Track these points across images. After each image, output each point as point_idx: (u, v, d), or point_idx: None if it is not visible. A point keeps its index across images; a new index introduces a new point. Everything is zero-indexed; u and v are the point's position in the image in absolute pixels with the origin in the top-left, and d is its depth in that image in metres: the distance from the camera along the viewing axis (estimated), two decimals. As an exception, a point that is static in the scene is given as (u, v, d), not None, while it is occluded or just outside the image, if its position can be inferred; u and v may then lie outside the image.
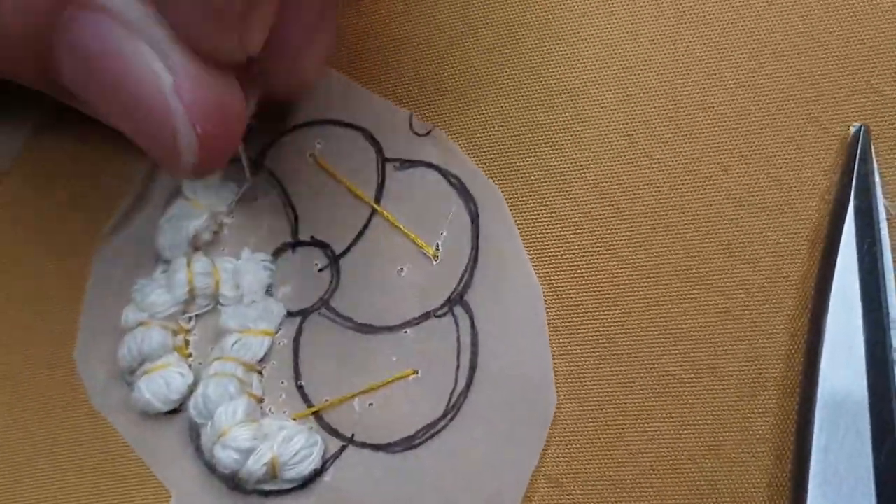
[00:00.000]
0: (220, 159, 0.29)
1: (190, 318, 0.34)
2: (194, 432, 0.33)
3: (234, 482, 0.32)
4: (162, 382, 0.33)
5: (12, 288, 0.36)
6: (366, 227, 0.34)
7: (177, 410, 0.34)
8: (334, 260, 0.34)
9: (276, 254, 0.35)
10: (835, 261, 0.28)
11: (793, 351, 0.29)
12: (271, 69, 0.30)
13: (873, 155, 0.29)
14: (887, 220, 0.29)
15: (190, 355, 0.34)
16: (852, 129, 0.30)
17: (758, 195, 0.31)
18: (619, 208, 0.32)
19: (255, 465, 0.31)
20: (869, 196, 0.28)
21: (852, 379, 0.27)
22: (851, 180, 0.29)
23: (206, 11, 0.26)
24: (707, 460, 0.29)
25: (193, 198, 0.35)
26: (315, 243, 0.34)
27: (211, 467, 0.32)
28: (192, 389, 0.33)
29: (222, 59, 0.27)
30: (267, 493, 0.32)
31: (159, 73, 0.26)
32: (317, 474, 0.32)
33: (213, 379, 0.32)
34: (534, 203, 0.32)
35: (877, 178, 0.29)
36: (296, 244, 0.35)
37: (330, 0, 0.31)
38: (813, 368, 0.27)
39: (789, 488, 0.28)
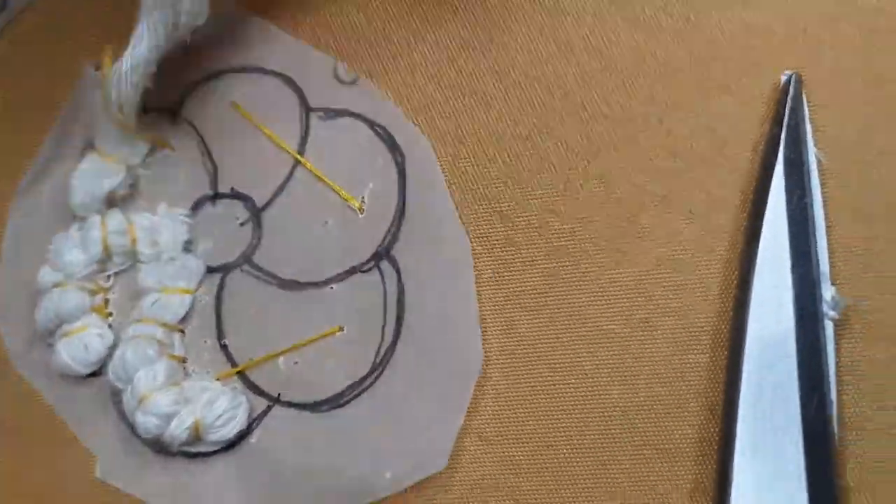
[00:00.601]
0: None
1: (108, 277, 0.34)
2: (116, 396, 0.32)
3: (157, 445, 0.32)
4: (80, 345, 0.32)
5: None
6: (288, 178, 0.33)
7: (98, 373, 0.33)
8: (256, 213, 0.33)
9: (195, 208, 0.34)
10: (763, 213, 0.28)
11: (725, 304, 0.29)
12: None
13: (805, 104, 0.29)
14: (819, 171, 0.28)
15: (110, 314, 0.34)
16: (783, 78, 0.29)
17: (693, 146, 0.30)
18: (549, 161, 0.31)
19: (178, 430, 0.30)
20: (800, 146, 0.28)
21: (781, 332, 0.27)
22: (781, 130, 0.28)
23: None
24: (640, 415, 0.29)
25: (105, 151, 0.33)
26: (236, 195, 0.34)
27: (134, 430, 0.32)
28: (112, 351, 0.32)
29: None
30: (192, 456, 0.32)
31: None
32: (242, 436, 0.31)
33: (132, 342, 0.32)
34: (462, 155, 0.32)
35: (808, 128, 0.29)
36: (215, 196, 0.34)
37: None
38: (741, 322, 0.27)
39: (719, 442, 0.28)
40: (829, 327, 0.27)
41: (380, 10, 0.33)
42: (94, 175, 0.33)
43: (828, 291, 0.27)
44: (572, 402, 0.30)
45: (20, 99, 0.36)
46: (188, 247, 0.33)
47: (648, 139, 0.30)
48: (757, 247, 0.27)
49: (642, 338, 0.30)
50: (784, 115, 0.28)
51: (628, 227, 0.30)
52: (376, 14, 0.33)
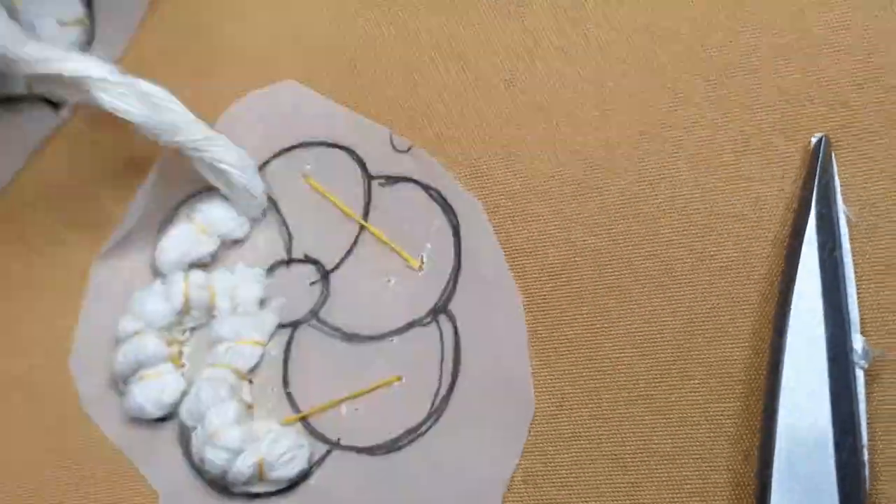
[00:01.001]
0: None
1: (185, 331, 0.36)
2: (184, 437, 0.35)
3: (221, 484, 0.34)
4: (155, 388, 0.35)
5: (12, 297, 0.39)
6: (355, 242, 0.36)
7: (166, 418, 0.35)
8: (325, 275, 0.36)
9: (271, 270, 0.37)
10: (797, 266, 0.30)
11: (759, 354, 0.31)
12: None
13: (834, 164, 0.31)
14: (848, 226, 0.30)
15: (183, 365, 0.36)
16: (813, 140, 0.32)
17: (728, 204, 0.32)
18: (595, 220, 0.34)
19: (244, 465, 0.33)
20: (830, 203, 0.30)
21: (814, 380, 0.28)
22: (813, 189, 0.30)
23: None
24: (678, 460, 0.31)
25: (197, 220, 0.37)
26: (308, 260, 0.36)
27: (199, 470, 0.34)
28: (184, 396, 0.35)
29: None
30: (253, 496, 0.34)
31: None
32: (303, 477, 0.34)
33: (206, 382, 0.34)
34: (513, 214, 0.34)
35: (837, 186, 0.31)
36: (290, 261, 0.37)
37: None
38: (776, 371, 0.29)
39: (755, 486, 0.30)
40: (860, 376, 0.29)
41: (435, 82, 0.37)
42: (184, 241, 0.36)
43: (858, 342, 0.29)
44: (613, 448, 0.32)
45: (100, 173, 0.39)
46: (263, 303, 0.36)
47: (685, 198, 0.33)
48: (791, 298, 0.29)
49: (681, 388, 0.31)
50: (815, 174, 0.31)
51: (667, 281, 0.32)
52: (431, 87, 0.37)
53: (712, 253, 0.32)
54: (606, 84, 0.35)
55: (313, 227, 0.37)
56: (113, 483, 0.36)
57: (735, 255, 0.32)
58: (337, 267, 0.36)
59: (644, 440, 0.31)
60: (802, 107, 0.33)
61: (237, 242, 0.38)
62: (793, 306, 0.29)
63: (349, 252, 0.36)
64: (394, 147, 0.36)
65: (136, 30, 0.41)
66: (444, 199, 0.35)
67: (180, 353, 0.36)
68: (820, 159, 0.31)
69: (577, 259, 0.33)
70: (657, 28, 0.35)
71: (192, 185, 0.37)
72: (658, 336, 0.32)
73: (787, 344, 0.29)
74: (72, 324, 0.37)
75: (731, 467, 0.30)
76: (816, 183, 0.30)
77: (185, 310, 0.36)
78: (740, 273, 0.32)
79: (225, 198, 0.37)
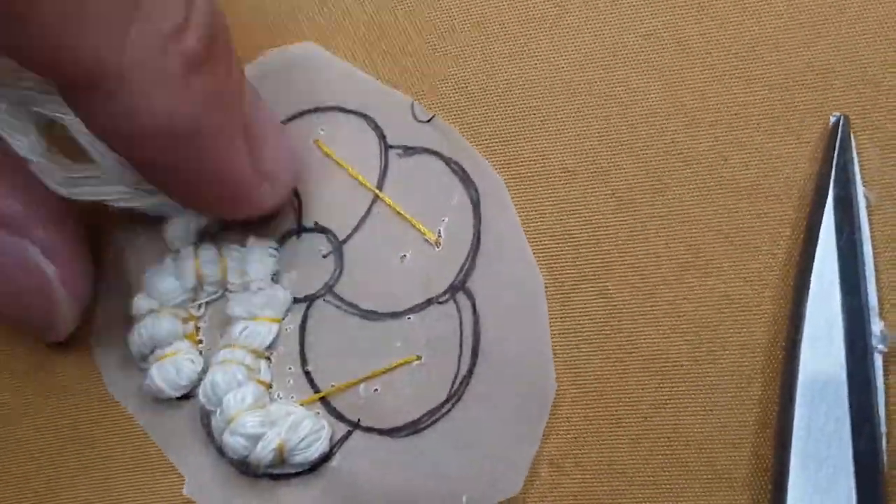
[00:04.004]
0: None
1: (199, 306, 0.39)
2: (205, 418, 0.38)
3: (244, 466, 0.37)
4: (172, 369, 0.38)
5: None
6: (368, 213, 0.38)
7: (188, 396, 0.39)
8: (337, 246, 0.38)
9: (282, 240, 0.39)
10: (814, 249, 0.32)
11: (780, 338, 0.33)
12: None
13: (853, 144, 0.33)
14: (867, 208, 0.32)
15: (200, 341, 0.39)
16: (832, 120, 0.34)
17: (756, 184, 0.35)
18: (619, 197, 0.36)
19: (264, 451, 0.35)
20: (848, 185, 0.32)
21: (832, 366, 0.31)
22: (831, 169, 0.32)
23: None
24: (705, 445, 0.34)
25: None
26: (319, 229, 0.39)
27: (222, 451, 0.37)
28: (202, 375, 0.38)
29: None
30: (276, 477, 0.37)
31: (44, 266, 0.36)
32: (324, 459, 0.37)
33: (222, 366, 0.37)
34: (535, 191, 0.37)
35: (856, 168, 0.33)
36: (300, 230, 0.39)
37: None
38: (794, 355, 0.32)
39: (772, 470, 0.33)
40: (878, 360, 0.31)
41: (459, 52, 0.38)
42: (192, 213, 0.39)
43: (876, 325, 0.31)
44: (638, 431, 0.34)
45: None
46: (275, 278, 0.39)
47: (713, 178, 0.35)
48: (809, 281, 0.32)
49: (706, 370, 0.34)
50: (833, 154, 0.33)
51: (695, 262, 0.35)
52: (456, 57, 0.38)
53: (740, 234, 0.34)
54: (633, 59, 0.36)
55: (324, 196, 0.39)
56: (136, 463, 0.39)
57: (762, 236, 0.34)
58: (349, 238, 0.38)
59: (668, 423, 0.34)
60: (831, 86, 0.34)
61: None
62: (811, 290, 0.32)
63: (362, 221, 0.38)
64: (415, 117, 0.38)
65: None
66: (466, 173, 0.37)
67: (197, 328, 0.39)
68: (839, 140, 0.33)
69: (600, 238, 0.36)
70: (687, 4, 0.36)
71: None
72: (683, 317, 0.34)
73: (805, 329, 0.32)
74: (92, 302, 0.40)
75: (753, 452, 0.33)
76: (834, 164, 0.32)
77: (197, 286, 0.39)
78: (767, 255, 0.34)
79: None
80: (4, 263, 0.36)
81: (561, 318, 0.36)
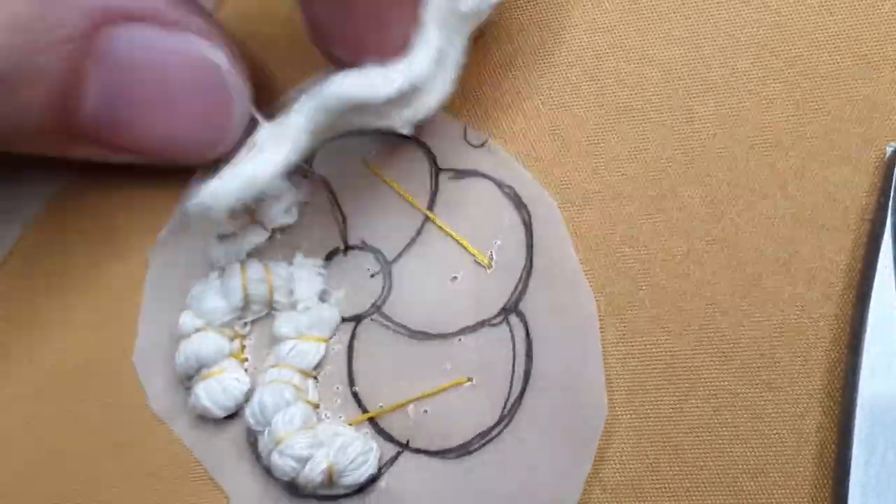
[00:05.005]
0: None
1: (245, 324, 0.40)
2: (252, 437, 0.38)
3: (291, 488, 0.38)
4: (219, 388, 0.38)
5: (72, 293, 0.42)
6: (418, 233, 0.39)
7: (234, 415, 0.39)
8: (387, 265, 0.39)
9: (328, 258, 0.40)
10: (873, 278, 0.33)
11: (839, 367, 0.34)
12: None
13: None
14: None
15: (246, 360, 0.40)
16: (889, 149, 0.35)
17: (814, 214, 0.35)
18: (674, 224, 0.37)
19: (313, 473, 0.36)
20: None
21: (891, 396, 0.32)
22: (888, 199, 0.34)
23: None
24: (762, 475, 0.35)
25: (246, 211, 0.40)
26: (368, 248, 0.39)
27: (269, 472, 0.38)
28: (248, 395, 0.39)
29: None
30: (323, 498, 0.38)
31: (211, 52, 0.34)
32: (372, 480, 0.37)
33: (270, 386, 0.38)
34: (588, 215, 0.37)
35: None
36: (347, 248, 0.40)
37: None
38: (852, 385, 0.32)
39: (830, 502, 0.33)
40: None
41: (513, 77, 0.39)
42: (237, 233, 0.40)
43: (933, 359, 0.32)
44: (694, 460, 0.35)
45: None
46: (323, 296, 0.39)
47: (770, 206, 0.36)
48: (867, 312, 0.33)
49: (764, 399, 0.35)
50: (891, 184, 0.34)
51: (752, 290, 0.35)
52: (509, 81, 0.39)
53: (797, 263, 0.35)
54: (690, 84, 0.37)
55: (371, 215, 0.40)
56: (179, 481, 0.40)
57: (820, 266, 0.35)
58: (399, 257, 0.39)
59: (724, 451, 0.35)
60: (888, 117, 0.35)
61: (287, 228, 0.41)
62: (869, 321, 0.33)
63: (412, 242, 0.39)
64: (467, 141, 0.39)
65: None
66: (518, 196, 0.38)
67: (242, 347, 0.40)
68: (895, 170, 0.34)
69: (654, 264, 0.36)
70: (744, 35, 0.37)
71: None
72: (739, 345, 0.35)
73: (864, 358, 0.32)
74: (132, 317, 0.41)
75: (814, 482, 0.34)
76: (892, 194, 0.33)
77: (244, 304, 0.39)
78: (824, 285, 0.35)
79: None
80: (172, 62, 0.34)
81: (615, 342, 0.36)
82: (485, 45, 0.40)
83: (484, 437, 0.37)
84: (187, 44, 0.34)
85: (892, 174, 0.34)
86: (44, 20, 0.32)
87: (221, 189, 0.35)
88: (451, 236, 0.38)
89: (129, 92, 0.35)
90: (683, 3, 0.38)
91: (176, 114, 0.36)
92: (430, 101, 0.36)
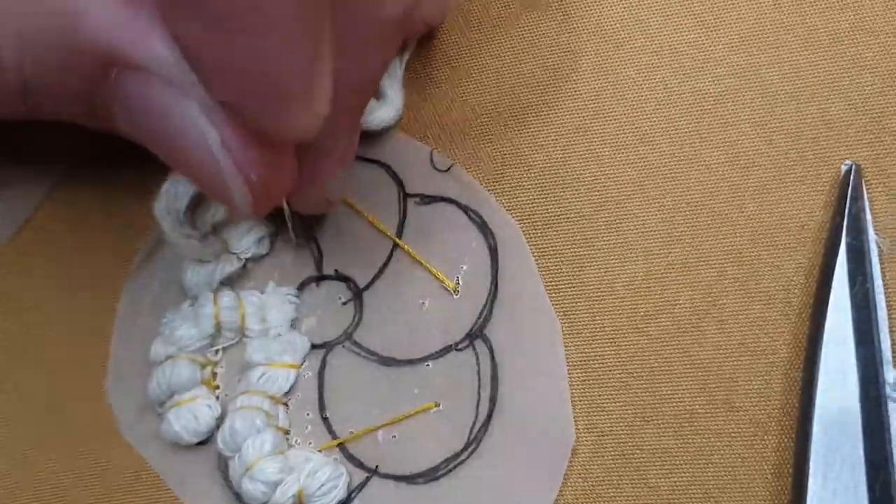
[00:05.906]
0: (275, 200, 0.35)
1: (217, 351, 0.41)
2: (223, 463, 0.39)
3: (262, 512, 0.38)
4: (190, 415, 0.39)
5: (44, 321, 0.43)
6: (388, 261, 0.40)
7: (206, 442, 0.40)
8: (357, 294, 0.40)
9: (301, 287, 0.41)
10: (828, 297, 0.34)
11: (796, 386, 0.35)
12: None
13: (864, 193, 0.35)
14: (879, 256, 0.34)
15: (217, 387, 0.41)
16: (843, 168, 0.36)
17: (771, 233, 0.36)
18: (634, 246, 0.38)
19: (283, 498, 0.37)
20: (860, 233, 0.34)
21: (847, 414, 0.33)
22: (843, 218, 0.34)
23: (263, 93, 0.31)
24: (722, 493, 0.35)
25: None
26: (339, 277, 0.41)
27: (239, 497, 0.39)
28: (219, 422, 0.40)
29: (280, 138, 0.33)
30: (294, 523, 0.38)
31: (206, 130, 0.32)
32: (342, 504, 0.38)
33: (240, 412, 0.39)
34: (551, 239, 0.39)
35: (868, 216, 0.34)
36: (320, 278, 0.41)
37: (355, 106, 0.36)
38: (809, 404, 0.33)
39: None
40: (892, 409, 0.33)
41: (478, 103, 0.40)
42: (210, 261, 0.41)
43: (890, 374, 0.33)
44: (657, 480, 0.36)
45: (123, 190, 0.44)
46: (294, 324, 0.41)
47: (728, 225, 0.37)
48: (823, 330, 0.33)
49: (724, 418, 0.36)
50: (845, 203, 0.35)
51: (710, 310, 0.36)
52: (469, 108, 0.40)
53: (755, 282, 0.36)
54: (647, 109, 0.38)
55: (344, 245, 0.41)
56: (151, 509, 0.41)
57: (777, 285, 0.36)
58: (370, 285, 0.40)
59: (690, 473, 0.36)
60: (843, 134, 0.36)
61: (262, 258, 0.42)
62: (824, 339, 0.33)
63: (382, 270, 0.40)
64: (434, 166, 0.40)
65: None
66: (483, 221, 0.39)
67: (214, 374, 0.41)
68: (850, 188, 0.35)
69: (615, 285, 0.37)
70: (703, 54, 0.38)
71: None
72: (699, 365, 0.36)
73: (819, 377, 0.33)
74: (103, 344, 0.42)
75: (772, 500, 0.35)
76: (847, 212, 0.34)
77: (215, 332, 0.40)
78: (782, 304, 0.36)
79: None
80: (166, 126, 0.32)
81: (578, 365, 0.37)
82: (447, 70, 0.41)
83: (451, 463, 0.38)
84: (182, 111, 0.32)
85: (847, 192, 0.35)
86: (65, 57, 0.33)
87: (182, 185, 0.37)
88: (419, 262, 0.39)
89: (136, 128, 0.33)
90: (643, 26, 0.39)
91: (176, 166, 0.35)
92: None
